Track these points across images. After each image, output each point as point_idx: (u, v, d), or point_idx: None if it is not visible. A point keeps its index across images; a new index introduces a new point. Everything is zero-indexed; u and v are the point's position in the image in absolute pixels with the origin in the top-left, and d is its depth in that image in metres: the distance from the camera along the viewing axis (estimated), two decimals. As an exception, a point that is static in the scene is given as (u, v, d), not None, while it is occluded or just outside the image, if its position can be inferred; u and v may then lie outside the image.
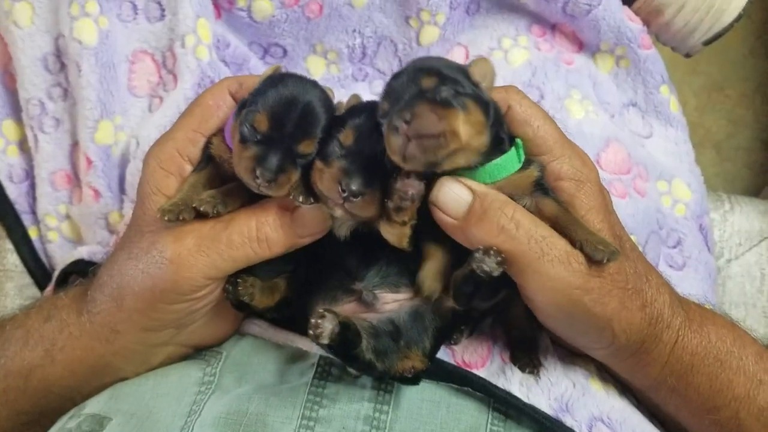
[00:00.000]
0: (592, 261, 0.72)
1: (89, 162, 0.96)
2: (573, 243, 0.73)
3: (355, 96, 0.81)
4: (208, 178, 0.79)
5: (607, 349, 0.79)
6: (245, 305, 0.78)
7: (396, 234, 0.74)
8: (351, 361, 0.74)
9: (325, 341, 0.69)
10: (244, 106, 0.75)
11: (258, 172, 0.71)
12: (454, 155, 0.69)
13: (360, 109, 0.77)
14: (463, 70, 0.73)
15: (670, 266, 1.01)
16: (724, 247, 1.20)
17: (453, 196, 0.72)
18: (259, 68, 1.03)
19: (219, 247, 0.75)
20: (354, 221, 0.77)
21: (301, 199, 0.73)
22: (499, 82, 1.01)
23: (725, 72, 2.23)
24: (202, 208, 0.74)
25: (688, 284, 1.00)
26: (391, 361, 0.75)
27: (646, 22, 1.09)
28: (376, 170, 0.71)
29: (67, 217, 1.02)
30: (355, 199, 0.70)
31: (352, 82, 1.07)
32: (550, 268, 0.71)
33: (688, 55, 1.15)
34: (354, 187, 0.70)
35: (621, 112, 1.08)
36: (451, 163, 0.70)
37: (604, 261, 0.71)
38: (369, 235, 0.76)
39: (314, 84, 0.77)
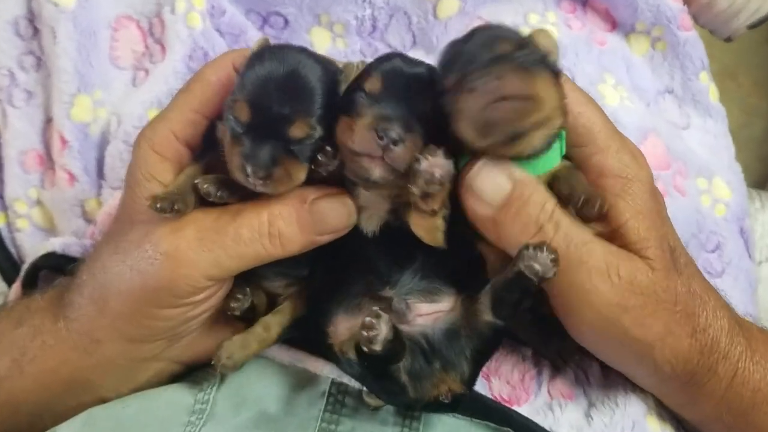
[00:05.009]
0: (581, 214, 0.64)
1: (64, 142, 0.86)
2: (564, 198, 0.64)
3: (364, 61, 0.70)
4: (209, 169, 0.68)
5: (649, 378, 0.70)
6: (251, 315, 0.68)
7: (426, 227, 0.63)
8: (384, 381, 0.64)
9: (378, 347, 0.59)
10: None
11: (248, 170, 0.61)
12: (536, 128, 0.60)
13: (381, 58, 0.67)
14: (529, 41, 0.63)
15: (708, 273, 0.91)
16: (755, 248, 1.11)
17: (492, 180, 0.62)
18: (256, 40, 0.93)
19: (225, 241, 0.64)
20: (385, 213, 0.67)
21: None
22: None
23: (739, 59, 2.13)
24: (204, 188, 0.64)
25: (727, 293, 0.90)
26: (425, 388, 0.65)
27: (686, 2, 1.00)
28: (412, 115, 0.62)
29: (39, 202, 0.91)
30: (396, 148, 0.60)
31: (360, 59, 0.96)
32: (586, 279, 0.63)
33: (728, 39, 1.06)
34: (393, 133, 0.59)
35: (656, 100, 0.99)
36: (531, 140, 0.61)
37: (595, 209, 0.62)
38: (401, 230, 0.66)
39: (303, 52, 0.66)
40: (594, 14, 0.99)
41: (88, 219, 0.87)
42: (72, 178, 0.86)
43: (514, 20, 0.96)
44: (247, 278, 0.70)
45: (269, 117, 0.62)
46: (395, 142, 0.60)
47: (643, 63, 0.99)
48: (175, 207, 0.63)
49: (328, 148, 0.63)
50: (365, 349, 0.60)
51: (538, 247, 0.59)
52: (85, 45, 0.86)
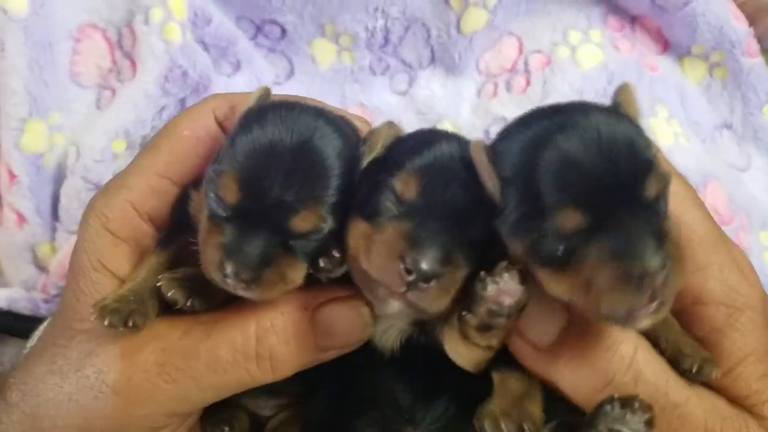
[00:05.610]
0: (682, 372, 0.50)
1: (12, 176, 0.76)
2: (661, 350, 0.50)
3: (391, 124, 0.55)
4: (179, 259, 0.54)
5: None
6: None
7: (472, 359, 0.50)
8: None
9: None
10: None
11: (228, 270, 0.46)
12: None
13: (417, 141, 0.52)
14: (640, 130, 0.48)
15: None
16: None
17: (544, 319, 0.48)
18: (248, 52, 0.84)
19: (195, 367, 0.50)
20: (407, 325, 0.53)
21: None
22: (565, 91, 0.82)
23: None
24: (170, 294, 0.50)
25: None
26: None
27: (750, 23, 0.89)
28: (457, 239, 0.47)
29: (-17, 244, 0.81)
30: (426, 285, 0.45)
31: (369, 76, 0.88)
32: None
33: (795, 66, 0.92)
34: (427, 266, 0.44)
35: (712, 136, 0.89)
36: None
37: (692, 371, 0.49)
38: (427, 347, 0.52)
39: (319, 115, 0.51)
40: (644, 33, 0.90)
41: (41, 266, 0.77)
42: (21, 219, 0.76)
43: (552, 37, 0.88)
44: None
45: (266, 202, 0.47)
46: (427, 279, 0.45)
47: (698, 92, 0.89)
48: (130, 322, 0.49)
49: (335, 253, 0.49)
50: None
51: (627, 404, 0.45)
52: (39, 60, 0.76)
